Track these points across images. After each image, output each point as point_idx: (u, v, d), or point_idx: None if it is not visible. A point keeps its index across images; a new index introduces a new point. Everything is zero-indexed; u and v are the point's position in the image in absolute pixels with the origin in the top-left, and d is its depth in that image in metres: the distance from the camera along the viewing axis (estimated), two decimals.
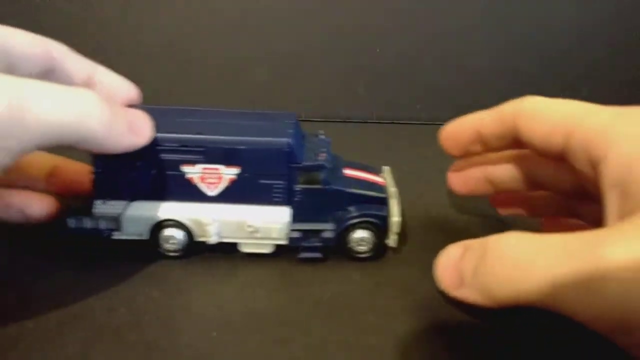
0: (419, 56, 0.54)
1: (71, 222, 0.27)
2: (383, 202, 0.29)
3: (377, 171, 0.32)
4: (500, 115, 0.25)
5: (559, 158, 0.23)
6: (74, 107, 0.21)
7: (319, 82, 0.55)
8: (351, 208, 0.29)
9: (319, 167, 0.28)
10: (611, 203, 0.19)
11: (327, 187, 0.28)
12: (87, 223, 0.27)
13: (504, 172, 0.28)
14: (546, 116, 0.23)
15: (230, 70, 0.53)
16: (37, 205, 0.28)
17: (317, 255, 0.29)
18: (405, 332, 0.24)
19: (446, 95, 0.54)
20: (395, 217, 0.28)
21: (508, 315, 0.19)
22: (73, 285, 0.26)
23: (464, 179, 0.30)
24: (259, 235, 0.28)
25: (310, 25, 0.53)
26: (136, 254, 0.29)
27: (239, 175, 0.28)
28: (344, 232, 0.29)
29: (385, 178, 0.31)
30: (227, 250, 0.29)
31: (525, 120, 0.24)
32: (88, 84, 0.28)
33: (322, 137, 0.32)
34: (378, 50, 0.54)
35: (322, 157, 0.28)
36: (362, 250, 0.29)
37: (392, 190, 0.30)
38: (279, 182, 0.28)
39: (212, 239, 0.28)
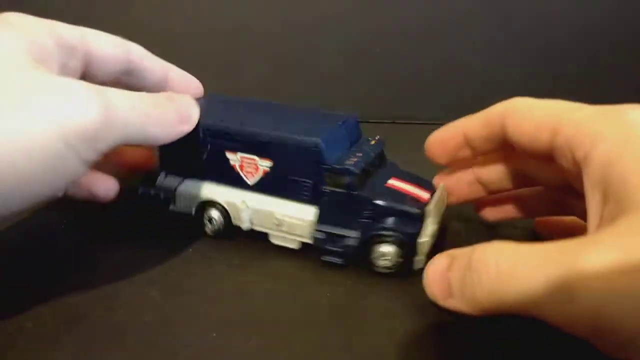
0: (419, 56, 0.54)
1: (140, 189, 0.31)
2: (416, 218, 0.27)
3: (429, 187, 0.29)
4: (488, 117, 0.25)
5: (548, 157, 0.23)
6: (139, 113, 0.24)
7: (319, 82, 0.54)
8: (380, 219, 0.27)
9: (345, 171, 0.27)
10: (593, 204, 0.19)
11: (352, 192, 0.27)
12: (152, 191, 0.31)
13: (495, 171, 0.28)
14: (533, 115, 0.23)
15: (230, 69, 0.53)
16: (102, 185, 0.30)
17: (338, 260, 0.28)
18: (406, 332, 0.24)
19: (446, 95, 0.54)
20: (424, 238, 0.27)
21: (514, 316, 0.19)
22: (73, 285, 0.26)
23: (454, 184, 0.29)
24: (284, 229, 0.29)
25: (310, 24, 0.53)
26: (136, 254, 0.29)
27: (271, 168, 0.29)
28: (367, 243, 0.27)
29: (435, 195, 0.29)
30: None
31: (513, 120, 0.24)
32: (162, 83, 0.30)
33: (376, 141, 0.31)
34: (378, 49, 0.54)
35: (351, 162, 0.28)
36: (384, 265, 0.27)
37: (433, 209, 0.27)
38: (306, 181, 0.28)
39: (245, 225, 0.30)
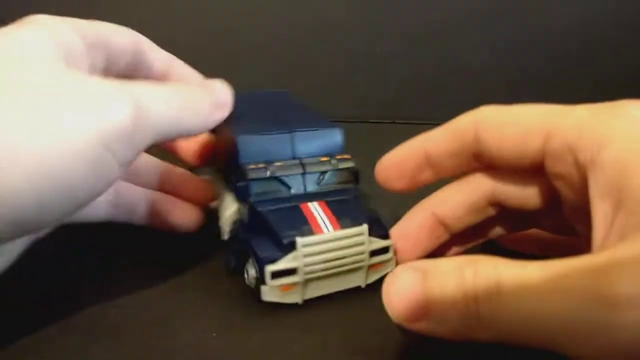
0: (419, 56, 0.54)
1: None
2: (281, 245, 0.23)
3: (375, 228, 0.25)
4: (455, 130, 0.23)
5: (532, 168, 0.21)
6: (171, 106, 0.23)
7: (319, 82, 0.55)
8: (254, 233, 0.25)
9: (243, 173, 0.25)
10: (602, 214, 0.17)
11: (246, 197, 0.25)
12: None
13: (458, 204, 0.24)
14: (517, 120, 0.21)
15: (230, 68, 0.52)
16: (179, 214, 0.29)
17: (229, 265, 0.27)
18: (409, 333, 0.24)
19: (446, 95, 0.54)
20: (278, 267, 0.23)
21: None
22: (72, 285, 0.26)
23: (413, 235, 0.25)
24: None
25: (310, 24, 0.53)
26: (136, 254, 0.29)
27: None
28: (243, 255, 0.25)
29: (341, 232, 0.24)
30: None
31: (493, 128, 0.21)
32: (166, 75, 0.29)
33: (341, 160, 0.27)
34: (378, 49, 0.54)
35: (261, 167, 0.26)
36: (250, 284, 0.25)
37: (311, 246, 0.23)
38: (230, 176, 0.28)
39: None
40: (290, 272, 0.23)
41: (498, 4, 0.52)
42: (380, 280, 0.25)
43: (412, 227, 0.25)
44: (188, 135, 0.25)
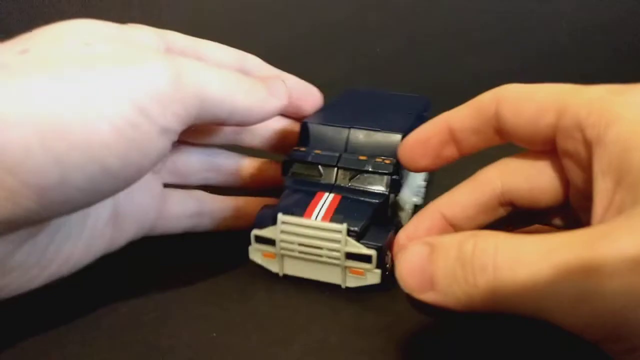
0: (419, 56, 0.54)
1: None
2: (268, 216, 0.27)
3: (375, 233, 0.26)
4: (478, 105, 0.23)
5: (544, 146, 0.21)
6: (220, 81, 0.22)
7: (319, 81, 0.55)
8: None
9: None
10: (602, 189, 0.17)
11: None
12: None
13: (469, 209, 0.24)
14: (534, 97, 0.21)
15: None
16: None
17: None
18: (406, 332, 0.24)
19: (446, 95, 0.54)
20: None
21: (514, 316, 0.18)
22: (72, 284, 0.26)
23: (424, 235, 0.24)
24: None
25: (309, 24, 0.53)
26: (136, 254, 0.29)
27: None
28: None
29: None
30: (231, 254, 0.29)
31: (510, 104, 0.22)
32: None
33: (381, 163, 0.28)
34: (378, 50, 0.54)
35: (303, 150, 0.28)
36: None
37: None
38: None
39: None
40: (270, 242, 0.26)
41: (499, 4, 0.52)
42: (374, 286, 0.25)
43: (420, 229, 0.25)
44: (243, 118, 0.24)
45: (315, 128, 0.29)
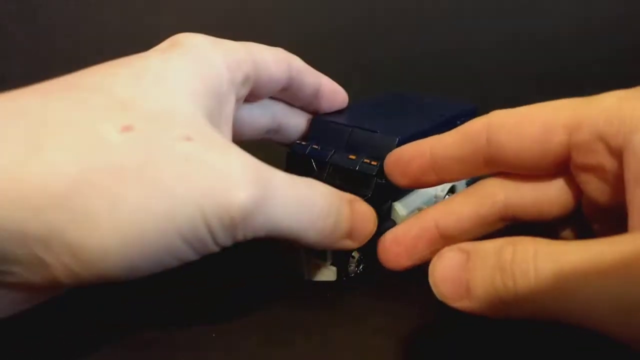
0: (419, 55, 0.54)
1: None
2: None
3: None
4: (466, 134, 0.22)
5: (553, 167, 0.21)
6: (304, 216, 0.21)
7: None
8: None
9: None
10: (637, 198, 0.17)
11: None
12: None
13: (466, 221, 0.23)
14: (535, 118, 0.21)
15: None
16: None
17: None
18: (406, 332, 0.24)
19: (446, 95, 0.54)
20: None
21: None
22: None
23: (409, 245, 0.24)
24: None
25: (309, 23, 0.53)
26: None
27: None
28: None
29: None
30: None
31: (508, 129, 0.21)
32: (314, 97, 0.30)
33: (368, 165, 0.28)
34: (378, 49, 0.54)
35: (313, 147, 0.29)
36: None
37: None
38: None
39: None
40: None
41: (499, 4, 0.52)
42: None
43: (409, 234, 0.24)
44: (307, 245, 0.23)
45: (321, 124, 0.30)
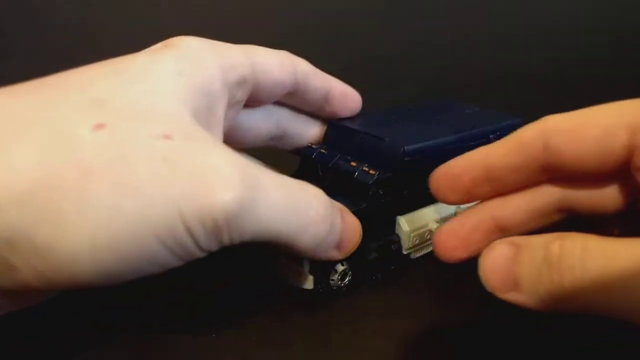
0: (419, 55, 0.54)
1: None
2: None
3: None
4: (519, 142, 0.22)
5: (613, 169, 0.20)
6: (297, 220, 0.20)
7: None
8: None
9: None
10: None
11: None
12: None
13: (522, 214, 0.23)
14: (593, 122, 0.20)
15: None
16: None
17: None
18: (406, 332, 0.24)
19: (446, 95, 0.54)
20: None
21: (514, 316, 0.18)
22: None
23: (465, 237, 0.23)
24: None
25: (310, 23, 0.53)
26: None
27: None
28: None
29: None
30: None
31: (566, 135, 0.20)
32: (323, 101, 0.28)
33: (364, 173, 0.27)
34: (378, 49, 0.54)
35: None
36: None
37: None
38: None
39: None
40: None
41: (500, 3, 0.52)
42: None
43: (466, 227, 0.23)
44: (297, 251, 0.22)
45: (335, 129, 0.30)
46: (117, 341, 0.23)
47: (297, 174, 0.29)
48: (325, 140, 0.30)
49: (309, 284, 0.24)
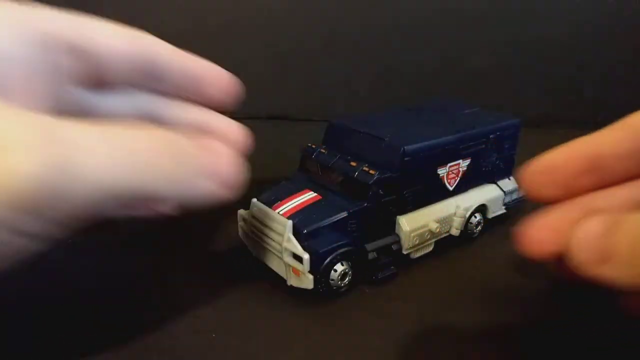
0: (419, 55, 0.54)
1: None
2: None
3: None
4: (631, 128, 0.20)
5: None
6: (130, 160, 0.18)
7: (319, 83, 0.55)
8: None
9: None
10: None
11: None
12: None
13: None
14: None
15: (229, 69, 0.52)
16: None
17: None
18: (406, 332, 0.24)
19: (446, 95, 0.54)
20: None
21: (514, 316, 0.18)
22: (72, 284, 0.26)
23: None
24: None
25: (310, 24, 0.53)
26: (137, 255, 0.29)
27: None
28: None
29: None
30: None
31: None
32: (195, 87, 0.25)
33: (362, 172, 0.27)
34: (378, 50, 0.53)
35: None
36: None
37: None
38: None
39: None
40: (244, 218, 0.28)
41: (500, 4, 0.52)
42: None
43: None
44: (164, 202, 0.19)
45: (335, 128, 0.30)
46: (117, 341, 0.23)
47: (297, 174, 0.30)
48: (325, 140, 0.30)
49: (309, 284, 0.24)
